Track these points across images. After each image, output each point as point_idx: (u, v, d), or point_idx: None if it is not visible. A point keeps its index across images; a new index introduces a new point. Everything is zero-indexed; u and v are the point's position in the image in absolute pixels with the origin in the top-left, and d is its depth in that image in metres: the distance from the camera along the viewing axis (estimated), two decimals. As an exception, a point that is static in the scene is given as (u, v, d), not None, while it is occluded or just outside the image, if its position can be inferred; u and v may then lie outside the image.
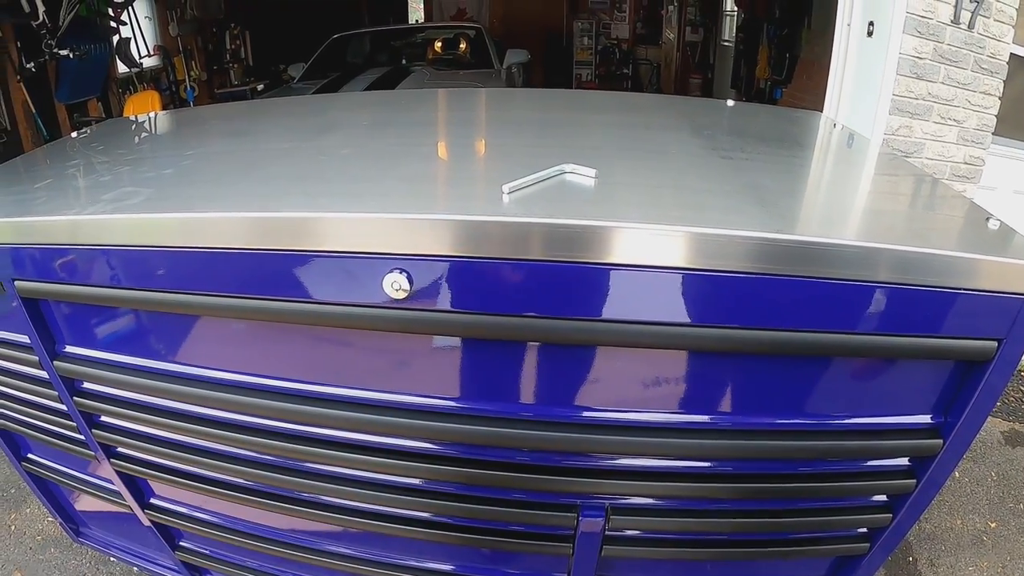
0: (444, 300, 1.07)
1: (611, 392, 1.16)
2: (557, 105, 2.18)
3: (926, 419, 1.15)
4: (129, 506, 1.69)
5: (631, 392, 1.16)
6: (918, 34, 2.84)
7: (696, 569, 1.47)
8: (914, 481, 1.20)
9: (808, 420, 1.15)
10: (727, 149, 1.55)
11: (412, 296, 1.04)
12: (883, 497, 1.27)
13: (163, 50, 8.01)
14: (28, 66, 5.71)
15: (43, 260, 1.28)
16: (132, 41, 7.25)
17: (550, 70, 11.27)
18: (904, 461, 1.21)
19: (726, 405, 1.15)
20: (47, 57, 5.81)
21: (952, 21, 2.86)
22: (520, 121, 1.88)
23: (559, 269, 1.01)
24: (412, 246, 1.03)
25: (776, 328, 1.02)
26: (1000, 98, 3.15)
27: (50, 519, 2.64)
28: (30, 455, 1.91)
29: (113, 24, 6.81)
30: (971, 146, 3.18)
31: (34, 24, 5.61)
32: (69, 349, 1.41)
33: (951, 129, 3.09)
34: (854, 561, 1.39)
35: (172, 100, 7.92)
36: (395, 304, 1.06)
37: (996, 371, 1.04)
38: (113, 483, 1.68)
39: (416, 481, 1.31)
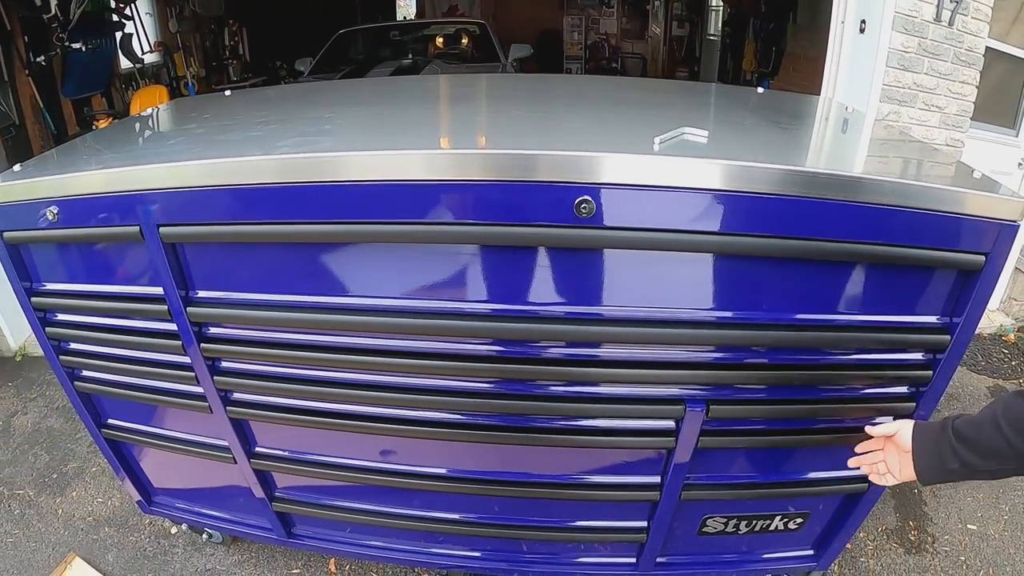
0: (618, 220, 1.33)
1: (713, 292, 1.44)
2: (619, 87, 2.57)
3: (935, 319, 1.46)
4: (232, 458, 1.86)
5: (727, 293, 1.45)
6: (904, 31, 3.12)
7: (767, 457, 1.73)
8: (930, 372, 1.50)
9: (851, 316, 1.45)
10: (779, 122, 1.91)
11: (594, 216, 1.30)
12: (905, 389, 1.56)
13: (164, 46, 8.12)
14: (38, 59, 5.73)
15: (194, 203, 1.41)
16: (134, 37, 7.34)
17: (544, 65, 11.47)
18: (920, 356, 1.50)
19: (796, 303, 1.44)
20: (58, 51, 5.88)
21: (935, 19, 3.15)
22: (602, 98, 2.19)
23: (697, 194, 1.31)
24: (598, 176, 1.29)
25: (826, 239, 1.33)
26: (977, 87, 3.45)
27: (100, 500, 2.72)
28: (111, 420, 2.00)
29: (117, 19, 6.89)
30: (952, 130, 3.48)
31: (46, 17, 5.68)
32: (202, 294, 1.56)
33: (934, 114, 3.38)
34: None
35: (174, 96, 8.02)
36: (576, 223, 1.31)
37: (985, 279, 1.36)
38: (215, 438, 1.86)
39: (544, 386, 1.57)
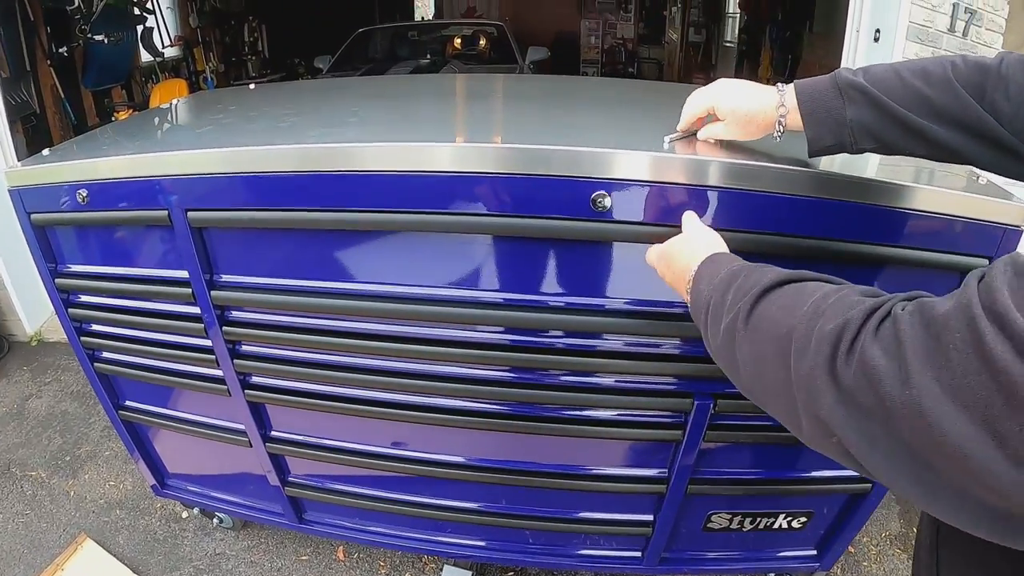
0: (635, 214, 1.35)
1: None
2: (630, 89, 2.60)
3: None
4: (248, 442, 1.89)
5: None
6: (919, 41, 3.14)
7: (773, 454, 1.74)
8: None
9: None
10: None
11: (610, 210, 1.33)
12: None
13: (184, 41, 8.22)
14: (60, 50, 5.83)
15: (223, 189, 1.44)
16: (155, 31, 7.45)
17: (560, 68, 11.50)
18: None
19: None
20: (80, 42, 5.98)
21: (949, 30, 3.17)
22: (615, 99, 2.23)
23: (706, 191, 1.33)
24: (613, 172, 1.31)
25: (835, 239, 1.35)
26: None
27: (112, 483, 2.73)
28: (128, 402, 2.03)
29: (139, 13, 7.00)
30: (967, 140, 3.49)
31: (69, 9, 5.78)
32: (225, 278, 1.59)
33: (949, 125, 3.39)
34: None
35: (193, 90, 8.10)
36: (596, 216, 1.34)
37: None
38: (231, 421, 1.89)
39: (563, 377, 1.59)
